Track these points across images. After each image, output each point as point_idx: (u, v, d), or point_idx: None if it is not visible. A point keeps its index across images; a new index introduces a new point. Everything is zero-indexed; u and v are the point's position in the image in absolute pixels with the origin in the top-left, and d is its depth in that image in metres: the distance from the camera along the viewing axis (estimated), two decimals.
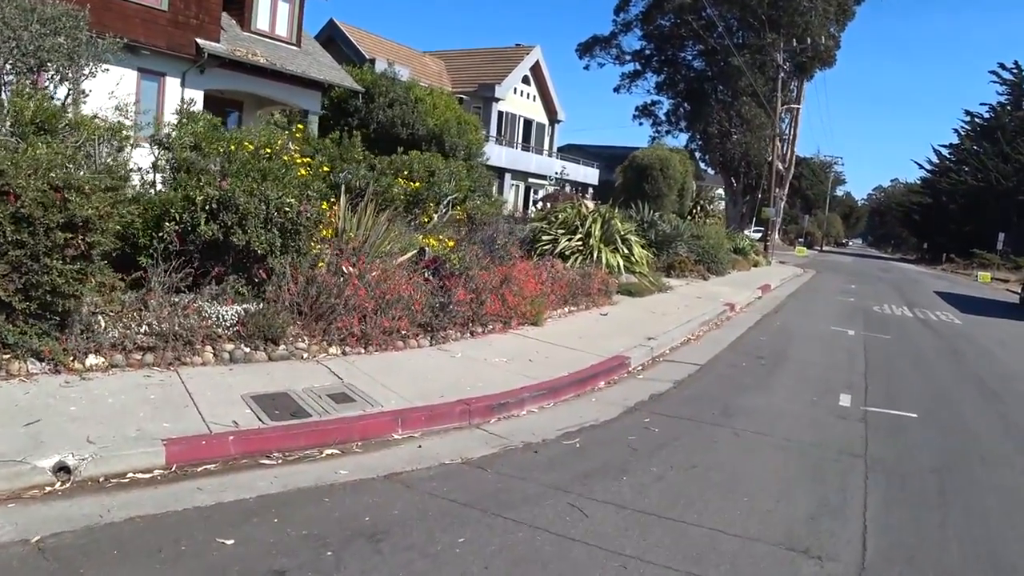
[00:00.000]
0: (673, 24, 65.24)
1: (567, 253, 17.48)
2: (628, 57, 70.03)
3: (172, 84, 20.11)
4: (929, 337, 15.75)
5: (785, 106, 50.51)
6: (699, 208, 31.25)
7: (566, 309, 13.22)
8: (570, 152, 50.82)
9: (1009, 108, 71.24)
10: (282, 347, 7.87)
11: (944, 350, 14.06)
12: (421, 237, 12.90)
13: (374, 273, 9.55)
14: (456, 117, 28.79)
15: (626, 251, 18.01)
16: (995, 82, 73.08)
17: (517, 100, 40.56)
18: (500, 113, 39.09)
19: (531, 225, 19.59)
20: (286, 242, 8.34)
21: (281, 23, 24.46)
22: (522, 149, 40.58)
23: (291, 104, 24.94)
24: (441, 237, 13.64)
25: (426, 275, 11.20)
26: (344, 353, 8.39)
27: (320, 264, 9.13)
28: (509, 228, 15.31)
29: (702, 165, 73.71)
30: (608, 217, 18.22)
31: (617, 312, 13.72)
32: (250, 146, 9.70)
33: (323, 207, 9.93)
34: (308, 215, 8.56)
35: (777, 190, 66.23)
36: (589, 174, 46.19)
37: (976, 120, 76.36)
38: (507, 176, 37.57)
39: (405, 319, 9.18)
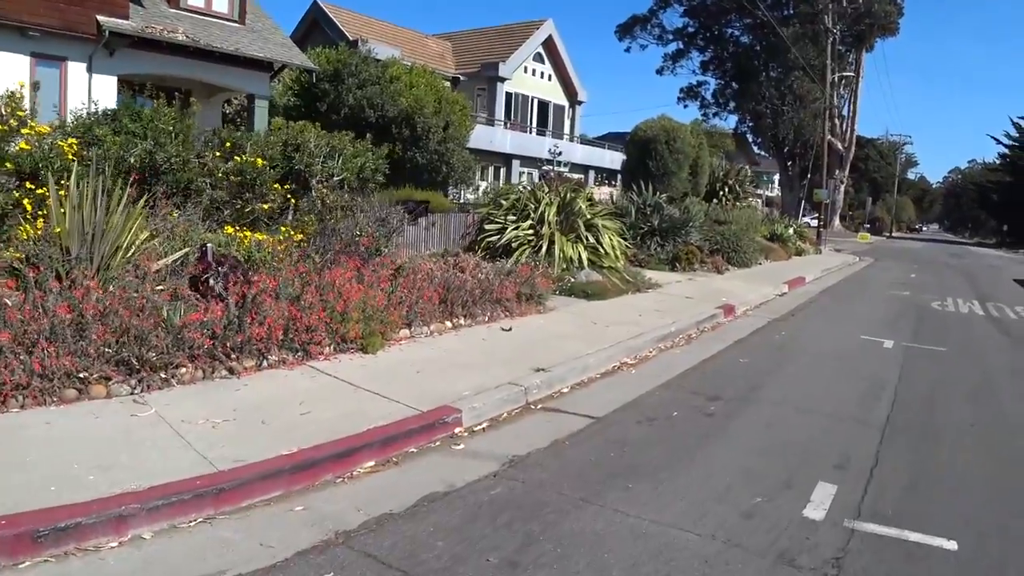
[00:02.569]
0: None
1: (514, 245, 13.49)
2: (670, 36, 65.33)
3: (77, 69, 16.91)
4: (1004, 348, 11.18)
5: (837, 75, 45.03)
6: (726, 189, 26.66)
7: (452, 324, 9.24)
8: (611, 140, 46.35)
9: None
10: None
11: None
12: (233, 230, 9.10)
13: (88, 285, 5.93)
14: (435, 96, 24.89)
15: (593, 240, 13.85)
16: None
17: (529, 80, 36.48)
18: (508, 94, 35.08)
19: (479, 212, 15.64)
20: None
21: None
22: (537, 133, 36.50)
23: (236, 88, 21.55)
24: (290, 230, 9.90)
25: (208, 282, 7.49)
26: None
27: None
28: (397, 218, 11.32)
29: (755, 148, 68.51)
30: (569, 198, 14.09)
31: (534, 325, 9.66)
32: None
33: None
34: None
35: (837, 172, 60.50)
36: (616, 159, 41.73)
37: None
38: (515, 163, 33.55)
39: (94, 355, 5.46)
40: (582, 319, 10.36)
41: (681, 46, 65.42)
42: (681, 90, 66.62)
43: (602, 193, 25.67)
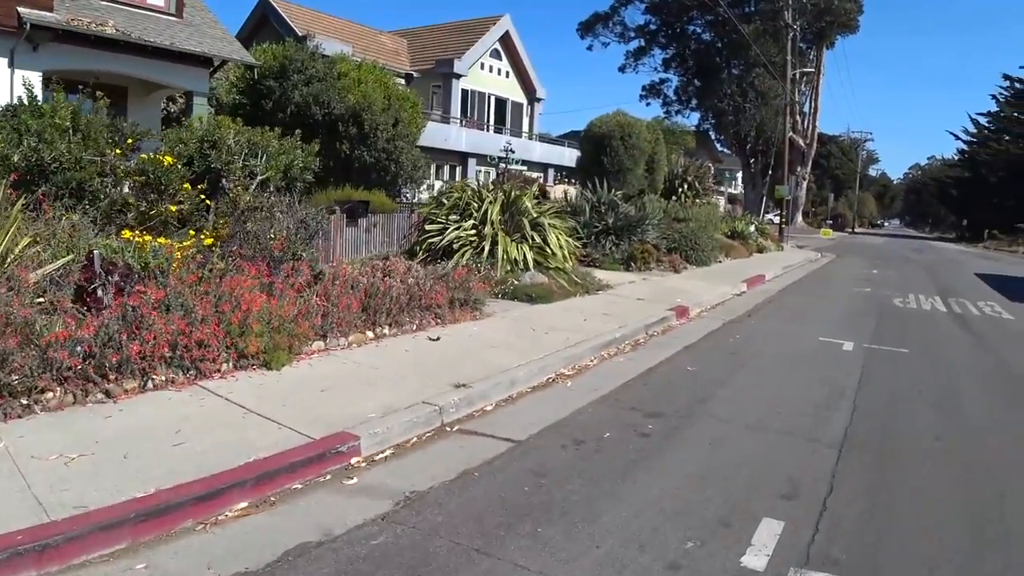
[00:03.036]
0: None
1: (455, 246, 12.67)
2: (632, 34, 65.01)
3: None
4: (968, 347, 10.60)
5: (797, 71, 44.82)
6: (686, 186, 26.07)
7: (374, 334, 8.41)
8: (573, 138, 45.61)
9: None
10: None
11: (992, 374, 8.92)
12: (132, 235, 8.16)
13: None
14: (385, 93, 23.95)
15: (539, 240, 13.07)
16: None
17: (486, 77, 35.66)
18: (465, 92, 34.22)
19: (420, 211, 14.81)
20: None
21: None
22: (495, 131, 35.68)
23: (173, 85, 20.50)
24: (197, 234, 9.01)
25: (96, 293, 6.63)
26: None
27: None
28: (317, 220, 10.38)
29: (718, 146, 68.35)
30: (514, 196, 13.30)
31: (466, 334, 8.84)
32: None
33: None
34: None
35: (799, 168, 60.54)
36: (577, 157, 41.10)
37: (1017, 84, 69.58)
38: (471, 161, 32.68)
39: None
40: (521, 325, 9.56)
41: (643, 43, 65.18)
42: (643, 87, 66.40)
43: (557, 192, 24.96)
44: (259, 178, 11.09)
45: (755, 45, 48.28)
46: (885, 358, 9.23)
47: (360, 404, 5.96)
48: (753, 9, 58.62)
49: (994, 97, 71.69)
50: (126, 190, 9.62)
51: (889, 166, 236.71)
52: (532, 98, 38.78)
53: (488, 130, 35.31)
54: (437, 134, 30.13)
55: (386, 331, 8.65)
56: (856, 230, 79.91)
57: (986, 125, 70.93)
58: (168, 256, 7.91)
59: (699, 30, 63.04)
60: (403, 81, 31.74)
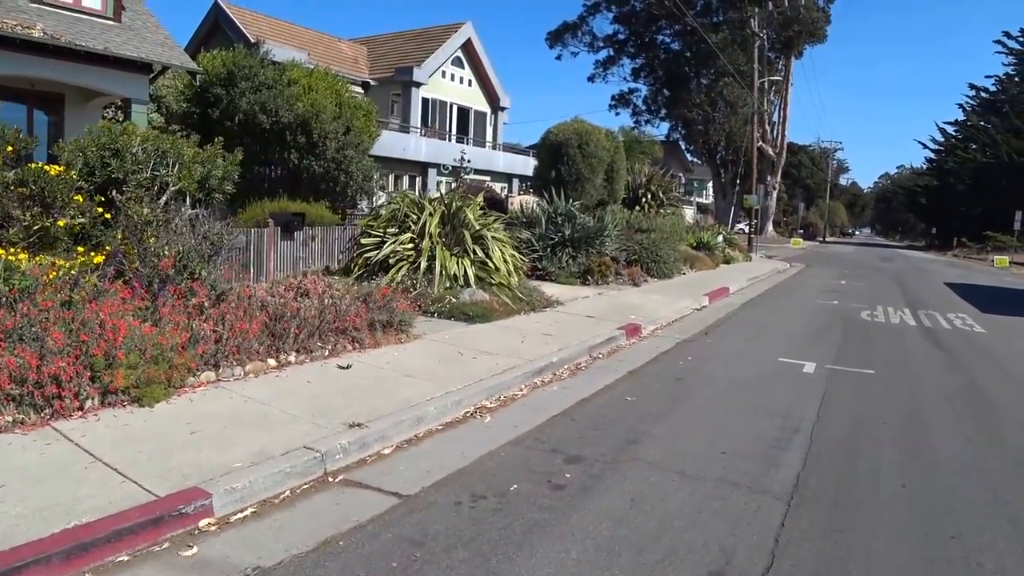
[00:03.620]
0: (646, 4, 59.61)
1: (391, 261, 11.74)
2: (601, 43, 64.62)
3: None
4: (938, 365, 9.80)
5: (766, 79, 44.48)
6: (649, 196, 25.28)
7: (277, 362, 7.45)
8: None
9: (1017, 79, 64.83)
10: None
11: (964, 397, 8.10)
12: (13, 252, 7.14)
13: None
14: (336, 100, 22.96)
15: (482, 255, 12.17)
16: (1001, 52, 66.75)
17: (448, 85, 34.77)
18: (425, 100, 33.29)
19: (357, 223, 13.87)
20: None
21: None
22: (457, 140, 34.79)
23: (109, 92, 19.29)
24: (103, 250, 8.03)
25: None
26: None
27: None
28: (217, 233, 9.36)
29: (688, 156, 67.98)
30: (455, 208, 12.39)
31: (384, 360, 7.89)
32: None
33: None
34: None
35: (769, 178, 60.32)
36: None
37: (982, 94, 70.17)
38: (431, 171, 31.72)
39: None
40: (449, 349, 8.62)
41: (611, 53, 64.80)
42: (613, 97, 66.00)
43: (516, 203, 24.07)
44: (171, 189, 10.07)
45: (723, 55, 47.94)
46: (849, 381, 8.40)
47: (230, 450, 5.01)
48: (721, 19, 58.42)
49: (961, 106, 72.36)
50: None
51: (859, 175, 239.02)
52: (496, 107, 37.96)
53: (450, 140, 34.41)
54: (395, 143, 29.20)
55: (292, 358, 7.69)
56: (827, 239, 79.95)
57: (953, 134, 71.41)
58: (36, 278, 6.91)
59: (668, 40, 62.86)
60: (360, 89, 30.80)
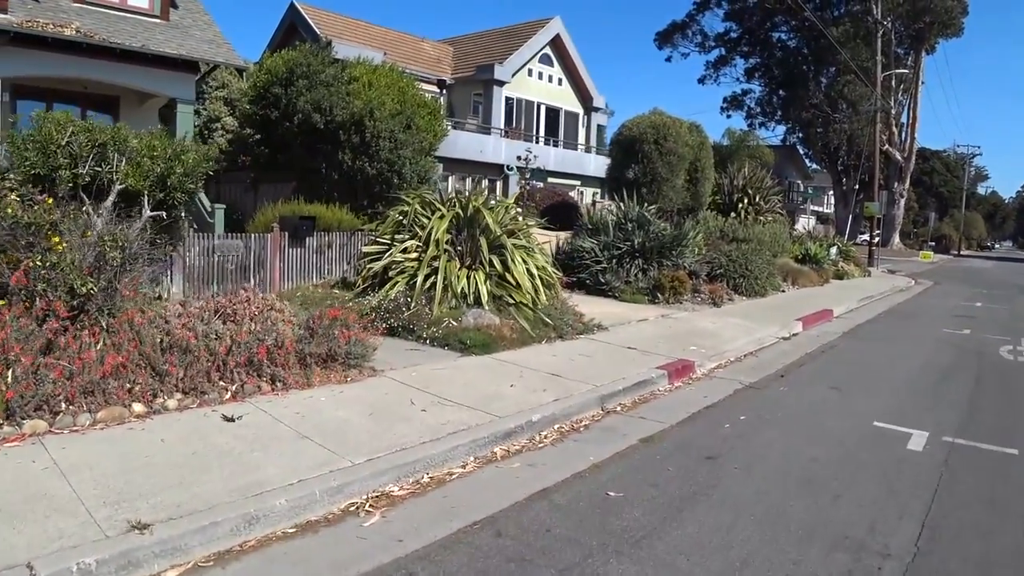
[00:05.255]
0: None
1: (391, 274, 9.64)
2: (712, 43, 61.09)
3: None
4: None
5: (892, 72, 40.00)
6: (745, 201, 22.20)
7: (145, 408, 5.45)
8: None
9: None
10: None
11: None
12: None
13: None
14: (398, 97, 21.17)
15: (500, 267, 9.84)
16: None
17: (535, 84, 32.58)
18: (509, 100, 31.23)
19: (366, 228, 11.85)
20: None
21: None
22: (546, 143, 32.56)
23: (156, 92, 18.34)
24: None
25: None
26: None
27: None
28: (136, 239, 7.39)
29: (807, 161, 63.22)
30: (473, 211, 10.13)
31: (296, 408, 5.72)
32: None
33: None
34: None
35: (896, 184, 55.02)
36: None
37: None
38: (512, 175, 29.59)
39: None
40: (401, 394, 6.36)
41: (723, 52, 61.11)
42: (724, 100, 62.28)
43: (588, 208, 21.58)
44: (116, 188, 8.26)
45: (844, 50, 43.65)
46: (978, 468, 5.57)
47: None
48: (842, 12, 53.76)
49: None
50: None
51: (1000, 184, 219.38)
52: (589, 107, 35.47)
53: (536, 141, 32.18)
54: (472, 145, 27.33)
55: (172, 402, 5.65)
56: (962, 252, 72.69)
57: None
58: None
59: (784, 36, 58.57)
60: (436, 88, 29.09)
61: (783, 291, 18.09)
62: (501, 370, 7.53)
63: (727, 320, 12.42)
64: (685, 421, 6.46)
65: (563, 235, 17.03)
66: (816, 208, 70.79)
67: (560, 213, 19.25)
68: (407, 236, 10.36)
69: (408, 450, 4.97)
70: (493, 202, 11.35)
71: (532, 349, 8.67)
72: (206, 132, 29.27)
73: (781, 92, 58.50)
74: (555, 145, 32.72)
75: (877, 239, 35.75)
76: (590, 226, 16.17)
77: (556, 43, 32.93)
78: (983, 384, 8.78)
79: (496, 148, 28.73)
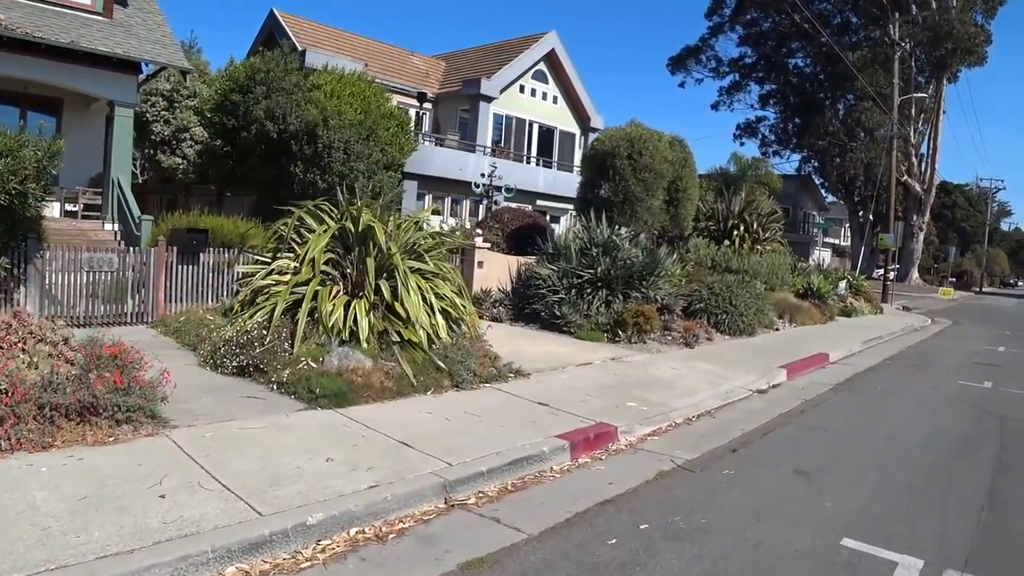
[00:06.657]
0: (774, 22, 53.92)
1: (259, 300, 7.62)
2: (726, 68, 59.28)
3: None
4: None
5: (911, 96, 37.87)
6: (742, 228, 20.07)
7: None
8: None
9: None
10: None
11: None
12: None
13: None
14: (361, 107, 19.40)
15: (388, 296, 7.80)
16: None
17: (527, 102, 30.72)
18: (498, 117, 29.39)
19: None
20: None
21: None
22: (539, 163, 30.66)
23: (98, 95, 16.91)
24: None
25: None
26: None
27: None
28: None
29: (824, 194, 60.96)
30: (364, 227, 8.12)
31: None
32: None
33: None
34: None
35: (915, 217, 52.60)
36: None
37: None
38: (497, 195, 27.59)
39: None
40: (169, 464, 4.31)
41: (738, 78, 59.29)
42: (738, 126, 60.50)
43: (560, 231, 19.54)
44: None
45: (861, 75, 41.64)
46: None
47: None
48: (860, 37, 51.83)
49: None
50: None
51: None
52: (586, 128, 33.52)
53: (528, 161, 30.30)
54: (451, 162, 25.47)
55: None
56: (983, 289, 69.77)
57: None
58: None
59: (800, 62, 56.65)
60: (415, 101, 27.26)
61: (776, 329, 15.93)
62: (337, 433, 5.47)
63: (693, 366, 10.30)
64: (556, 529, 4.34)
65: (527, 260, 15.03)
66: (832, 241, 68.35)
67: (528, 236, 17.25)
68: (288, 254, 8.39)
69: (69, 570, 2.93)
70: (408, 215, 9.35)
71: (405, 402, 6.59)
72: (174, 142, 27.61)
73: (796, 119, 56.51)
74: (547, 166, 30.79)
75: (892, 273, 33.38)
76: (551, 251, 14.14)
77: (551, 59, 31.14)
78: (1009, 465, 6.58)
79: (479, 167, 26.79)
